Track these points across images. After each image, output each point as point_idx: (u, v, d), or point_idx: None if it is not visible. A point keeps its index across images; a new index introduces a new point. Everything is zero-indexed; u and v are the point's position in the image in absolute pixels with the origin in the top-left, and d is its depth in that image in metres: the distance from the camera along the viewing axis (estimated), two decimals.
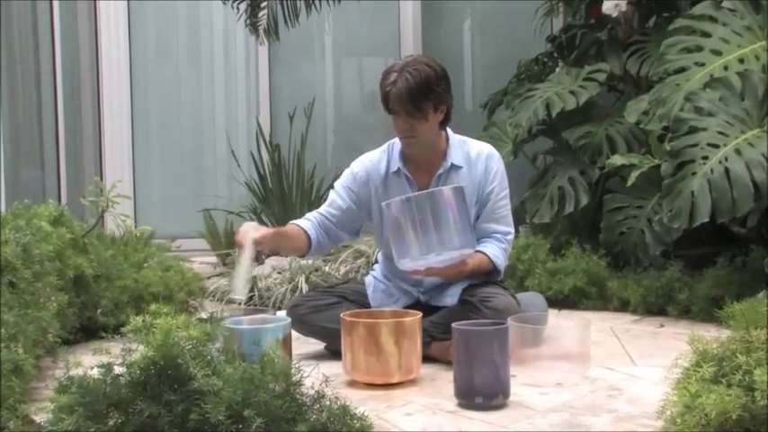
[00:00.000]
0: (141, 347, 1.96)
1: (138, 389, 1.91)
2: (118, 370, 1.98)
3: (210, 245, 5.37)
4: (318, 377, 2.07)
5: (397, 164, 3.15)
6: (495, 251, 3.09)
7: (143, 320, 1.96)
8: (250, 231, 2.90)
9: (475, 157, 3.15)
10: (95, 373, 1.97)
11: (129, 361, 1.96)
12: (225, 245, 5.26)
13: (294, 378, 1.98)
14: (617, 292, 3.93)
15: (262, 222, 5.37)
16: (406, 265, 2.88)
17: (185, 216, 5.70)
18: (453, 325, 2.51)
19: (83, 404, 1.90)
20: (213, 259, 5.32)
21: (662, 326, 3.61)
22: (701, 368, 2.05)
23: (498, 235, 3.12)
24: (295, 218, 5.21)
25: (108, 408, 1.91)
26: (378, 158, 3.21)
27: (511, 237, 3.17)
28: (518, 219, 4.70)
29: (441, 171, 3.11)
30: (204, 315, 3.88)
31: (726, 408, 1.91)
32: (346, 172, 3.26)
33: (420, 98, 2.96)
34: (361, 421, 2.00)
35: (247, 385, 1.87)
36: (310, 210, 5.28)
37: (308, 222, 3.25)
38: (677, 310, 3.72)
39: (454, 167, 3.11)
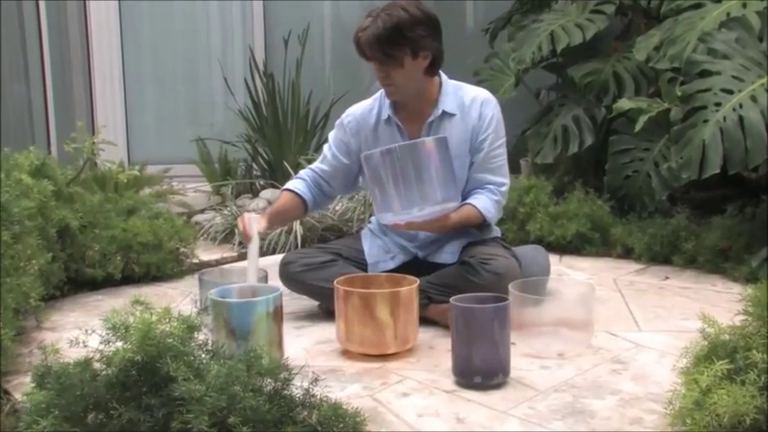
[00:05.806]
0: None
1: (118, 390, 1.80)
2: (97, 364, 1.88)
3: (204, 173, 5.24)
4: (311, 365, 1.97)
5: (387, 112, 3.04)
6: (487, 203, 2.97)
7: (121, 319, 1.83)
8: (254, 224, 2.87)
9: (469, 103, 3.00)
10: (72, 368, 1.86)
11: (108, 357, 1.85)
12: (220, 174, 5.14)
13: (282, 375, 1.87)
14: (621, 239, 3.80)
15: (256, 151, 5.24)
16: (387, 219, 2.81)
17: (179, 143, 5.54)
18: (452, 300, 2.38)
19: (59, 405, 1.79)
20: (207, 188, 5.20)
21: (667, 278, 3.50)
22: (712, 363, 1.94)
23: (492, 186, 3.00)
24: (290, 148, 5.16)
25: (86, 408, 1.81)
26: (369, 106, 3.10)
27: (505, 188, 3.03)
28: (518, 153, 4.56)
29: (431, 119, 2.98)
30: (196, 261, 3.79)
31: (739, 410, 1.82)
32: (337, 123, 3.16)
33: (390, 44, 2.84)
34: (353, 418, 1.90)
35: (232, 389, 1.76)
36: (305, 139, 5.22)
37: (301, 183, 3.14)
38: (683, 259, 3.60)
39: (447, 115, 2.98)
